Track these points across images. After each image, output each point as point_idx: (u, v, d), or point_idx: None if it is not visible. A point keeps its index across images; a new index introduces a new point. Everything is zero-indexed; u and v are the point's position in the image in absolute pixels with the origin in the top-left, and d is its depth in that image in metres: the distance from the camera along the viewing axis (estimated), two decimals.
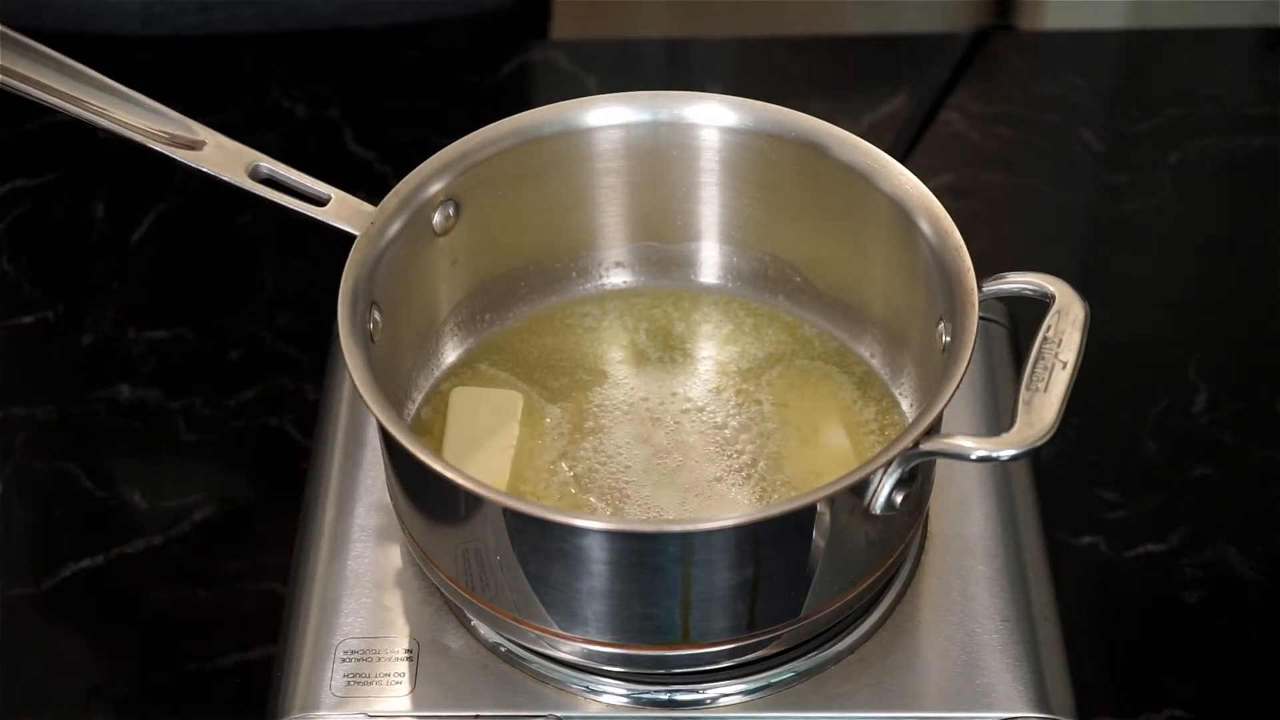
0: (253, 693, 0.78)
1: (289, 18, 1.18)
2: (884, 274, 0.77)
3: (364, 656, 0.73)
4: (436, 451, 0.72)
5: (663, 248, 0.83)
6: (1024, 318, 0.84)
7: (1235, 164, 1.07)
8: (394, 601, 0.75)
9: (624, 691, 0.72)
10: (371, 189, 0.77)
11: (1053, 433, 0.65)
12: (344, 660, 0.73)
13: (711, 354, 0.81)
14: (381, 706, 0.71)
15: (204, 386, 0.94)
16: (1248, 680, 0.81)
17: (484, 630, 0.73)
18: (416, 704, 0.71)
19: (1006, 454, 0.64)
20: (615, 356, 0.81)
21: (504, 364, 0.80)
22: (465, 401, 0.79)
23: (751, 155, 0.78)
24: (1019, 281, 0.71)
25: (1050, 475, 0.82)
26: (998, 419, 0.81)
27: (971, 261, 0.70)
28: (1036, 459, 0.81)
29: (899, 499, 0.66)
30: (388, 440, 0.69)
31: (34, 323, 0.98)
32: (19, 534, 0.87)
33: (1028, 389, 0.66)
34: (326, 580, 0.76)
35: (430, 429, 0.78)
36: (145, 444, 0.91)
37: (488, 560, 0.68)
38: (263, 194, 0.74)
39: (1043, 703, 0.71)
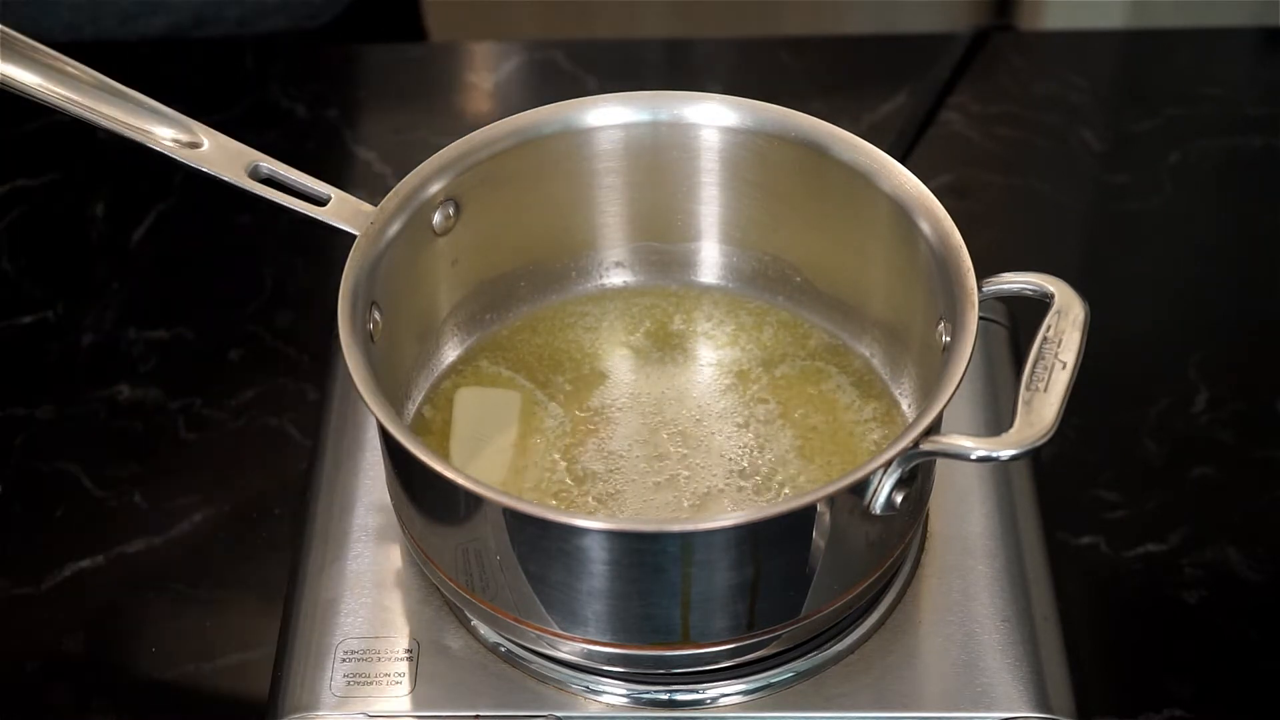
0: (253, 693, 0.78)
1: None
2: (884, 274, 0.77)
3: (364, 656, 0.73)
4: (437, 451, 0.72)
5: (663, 248, 0.83)
6: (1024, 318, 0.84)
7: (1235, 164, 1.07)
8: (394, 601, 0.75)
9: (624, 691, 0.72)
10: (371, 189, 0.77)
11: (1053, 433, 0.65)
12: (344, 660, 0.73)
13: (711, 354, 0.81)
14: (381, 706, 0.71)
15: (204, 386, 0.94)
16: (1248, 680, 0.81)
17: (484, 630, 0.73)
18: (416, 704, 0.71)
19: (1006, 454, 0.64)
20: (615, 356, 0.81)
21: (504, 363, 0.80)
22: (469, 401, 0.79)
23: (751, 155, 0.78)
24: (1019, 281, 0.71)
25: (1050, 475, 0.82)
26: (998, 419, 0.81)
27: (971, 261, 0.70)
28: (1036, 459, 0.81)
29: (899, 499, 0.66)
30: (388, 440, 0.69)
31: (34, 323, 0.98)
32: (19, 534, 0.87)
33: (1028, 389, 0.66)
34: (326, 580, 0.76)
35: (430, 428, 0.78)
36: (145, 444, 0.91)
37: (488, 560, 0.68)
38: (263, 194, 0.74)
39: (1043, 703, 0.71)
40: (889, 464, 0.65)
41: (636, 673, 0.71)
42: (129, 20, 1.16)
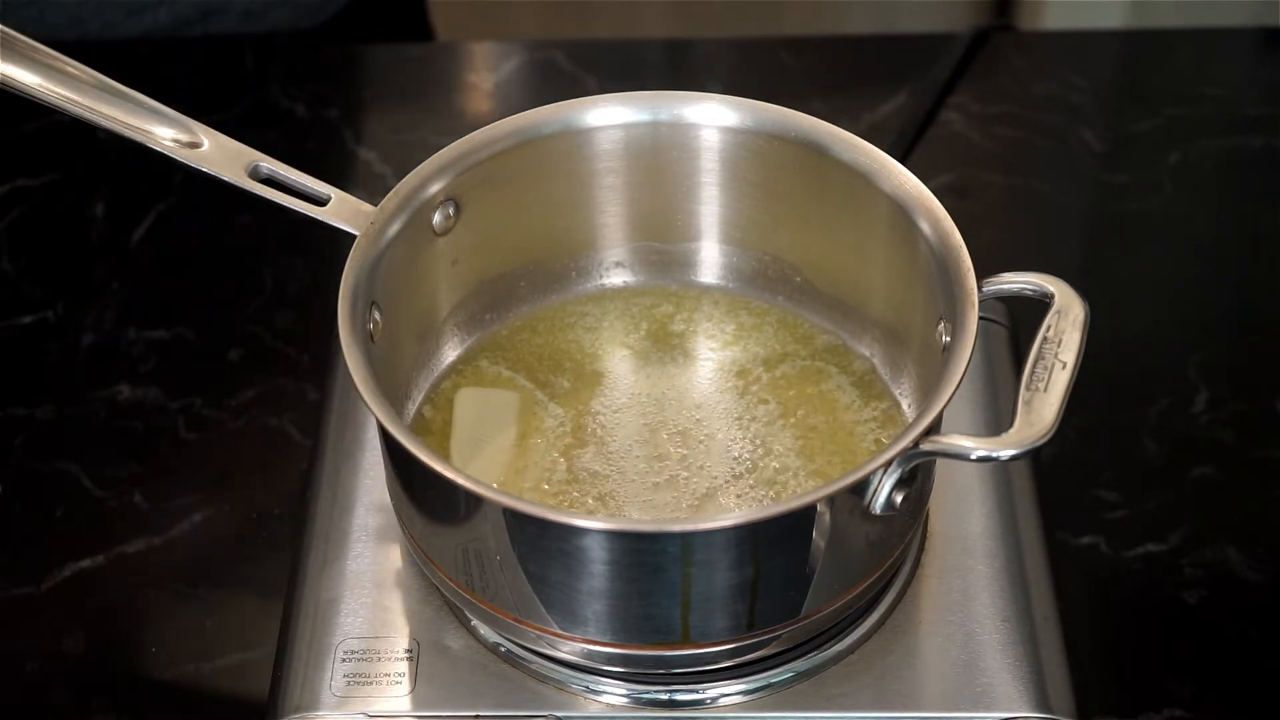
0: (253, 693, 0.78)
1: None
2: (884, 274, 0.77)
3: (364, 656, 0.73)
4: (437, 451, 0.72)
5: (663, 248, 0.83)
6: (1024, 318, 0.84)
7: (1235, 164, 1.07)
8: (394, 601, 0.75)
9: (624, 691, 0.72)
10: (371, 189, 0.77)
11: (1053, 433, 0.65)
12: (344, 660, 0.73)
13: (711, 354, 0.81)
14: (381, 706, 0.71)
15: (204, 386, 0.94)
16: (1248, 680, 0.81)
17: (484, 630, 0.73)
18: (416, 704, 0.71)
19: (1006, 454, 0.64)
20: (616, 357, 0.81)
21: (504, 363, 0.80)
22: (469, 401, 0.79)
23: (751, 155, 0.78)
24: (1019, 281, 0.71)
25: (1050, 475, 0.82)
26: (998, 419, 0.81)
27: (971, 261, 0.70)
28: (1036, 459, 0.81)
29: (899, 499, 0.66)
30: (388, 440, 0.69)
31: (34, 323, 0.98)
32: (19, 534, 0.87)
33: (1028, 389, 0.66)
34: (326, 580, 0.76)
35: (430, 428, 0.78)
36: (145, 444, 0.91)
37: (488, 560, 0.68)
38: (263, 194, 0.74)
39: (1043, 703, 0.71)
40: (889, 464, 0.65)
41: (636, 673, 0.71)
42: (134, 14, 1.16)
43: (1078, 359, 0.67)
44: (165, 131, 0.75)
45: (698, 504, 0.75)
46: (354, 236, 0.72)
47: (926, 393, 0.73)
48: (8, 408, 0.92)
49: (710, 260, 0.83)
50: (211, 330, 0.97)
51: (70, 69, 0.76)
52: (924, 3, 1.96)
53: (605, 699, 0.72)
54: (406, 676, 0.72)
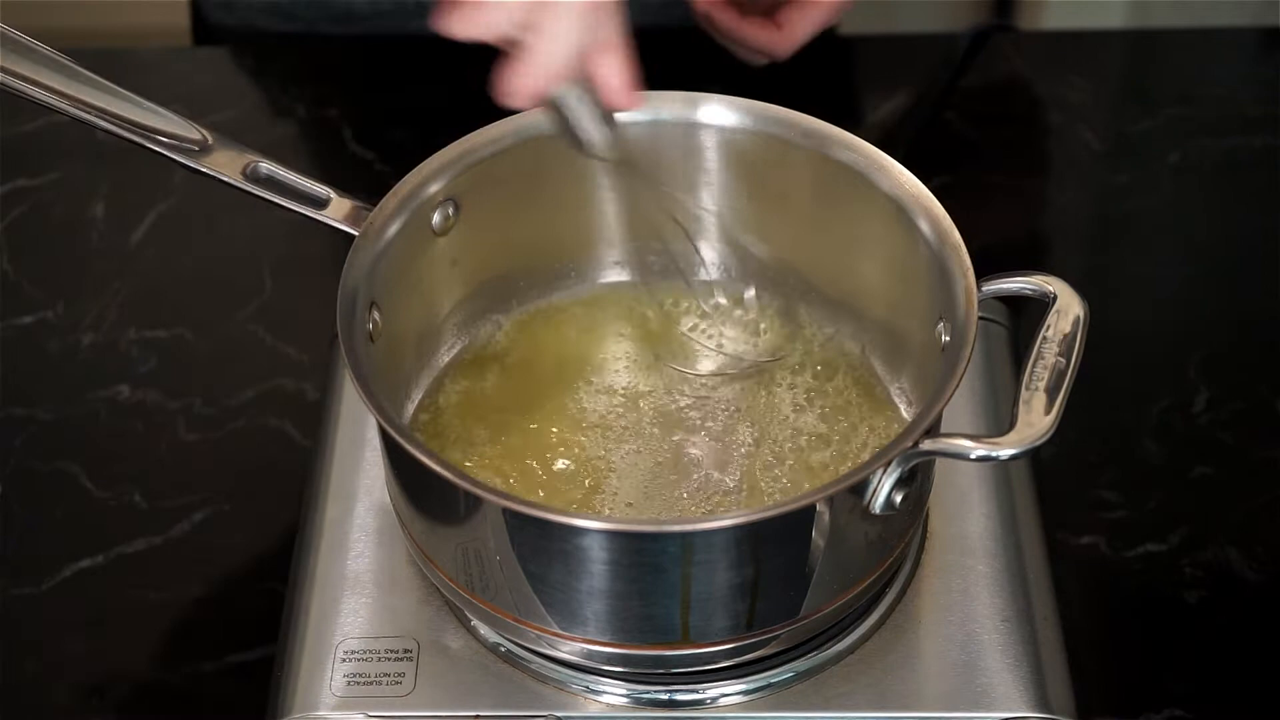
0: (253, 693, 0.78)
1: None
2: (884, 274, 0.77)
3: (364, 656, 0.73)
4: (437, 451, 0.72)
5: (663, 248, 0.83)
6: (1024, 318, 0.84)
7: (1235, 164, 1.07)
8: (394, 601, 0.75)
9: (624, 691, 0.72)
10: (371, 189, 0.77)
11: (1052, 433, 0.65)
12: (344, 660, 0.73)
13: (711, 354, 0.81)
14: (381, 706, 0.71)
15: (204, 386, 0.94)
16: (1248, 680, 0.81)
17: (484, 630, 0.73)
18: (416, 704, 0.71)
19: (1006, 454, 0.65)
20: (614, 356, 0.81)
21: (504, 364, 0.80)
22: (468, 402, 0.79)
23: (751, 155, 0.78)
24: (1019, 281, 0.71)
25: (1050, 475, 0.82)
26: (998, 419, 0.81)
27: (971, 261, 0.70)
28: (1036, 459, 0.81)
29: (899, 498, 0.66)
30: (388, 440, 0.69)
31: (34, 323, 0.98)
32: (19, 534, 0.87)
33: (1028, 389, 0.66)
34: (326, 580, 0.76)
35: (431, 428, 0.78)
36: (145, 444, 0.91)
37: (488, 560, 0.68)
38: (262, 195, 0.74)
39: (1043, 703, 0.71)
40: (889, 464, 0.65)
41: (636, 673, 0.71)
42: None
43: (1078, 359, 0.67)
44: (165, 132, 0.75)
45: (697, 504, 0.75)
46: (354, 236, 0.72)
47: (926, 393, 0.73)
48: (8, 408, 0.92)
49: (710, 260, 0.83)
50: (211, 330, 0.97)
51: (71, 69, 0.75)
52: (924, 3, 1.95)
53: (605, 699, 0.72)
54: (406, 676, 0.72)
